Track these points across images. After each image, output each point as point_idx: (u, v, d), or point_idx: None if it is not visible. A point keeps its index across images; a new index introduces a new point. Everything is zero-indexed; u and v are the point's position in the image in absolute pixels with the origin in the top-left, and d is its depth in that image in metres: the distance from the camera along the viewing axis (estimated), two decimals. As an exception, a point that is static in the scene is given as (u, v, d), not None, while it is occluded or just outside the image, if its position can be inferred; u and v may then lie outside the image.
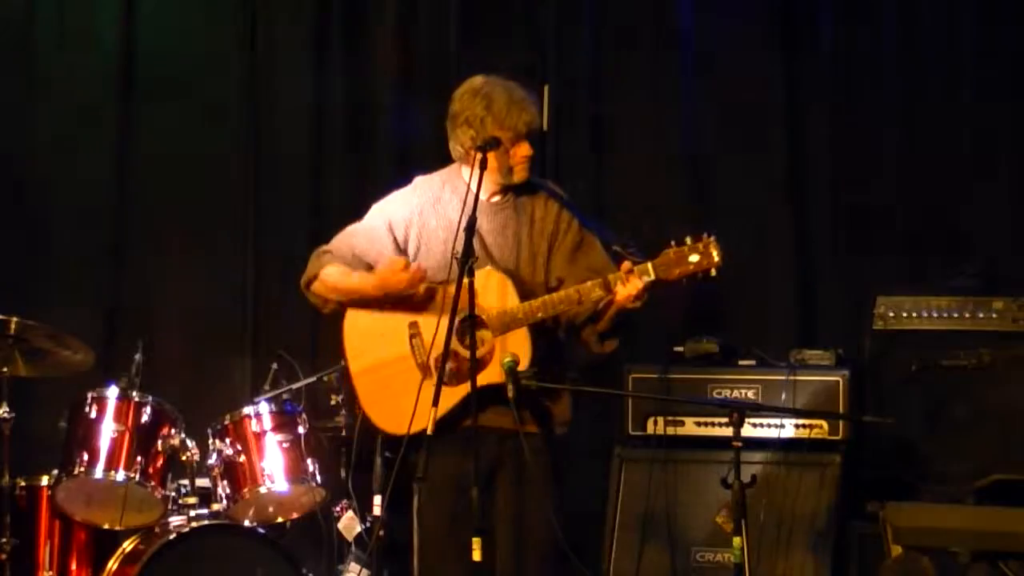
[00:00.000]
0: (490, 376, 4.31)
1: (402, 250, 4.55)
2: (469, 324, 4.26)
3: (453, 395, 4.33)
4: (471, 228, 4.25)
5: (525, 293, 4.41)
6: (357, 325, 4.60)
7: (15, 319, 5.27)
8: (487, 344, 4.36)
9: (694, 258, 4.24)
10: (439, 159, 6.40)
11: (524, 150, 4.46)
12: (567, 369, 4.56)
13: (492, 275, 4.41)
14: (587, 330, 4.48)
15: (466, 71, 6.40)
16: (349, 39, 6.63)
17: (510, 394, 4.20)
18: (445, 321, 4.20)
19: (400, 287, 4.44)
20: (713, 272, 4.24)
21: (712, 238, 4.24)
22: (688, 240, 4.27)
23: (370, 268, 4.57)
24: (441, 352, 4.26)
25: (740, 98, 6.31)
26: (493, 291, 4.39)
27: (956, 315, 5.45)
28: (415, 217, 4.55)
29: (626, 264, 4.32)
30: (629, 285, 4.28)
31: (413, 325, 4.47)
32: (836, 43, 6.24)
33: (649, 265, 4.28)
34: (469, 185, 4.36)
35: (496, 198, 4.54)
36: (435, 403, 4.11)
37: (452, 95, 4.55)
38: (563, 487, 4.56)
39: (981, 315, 5.42)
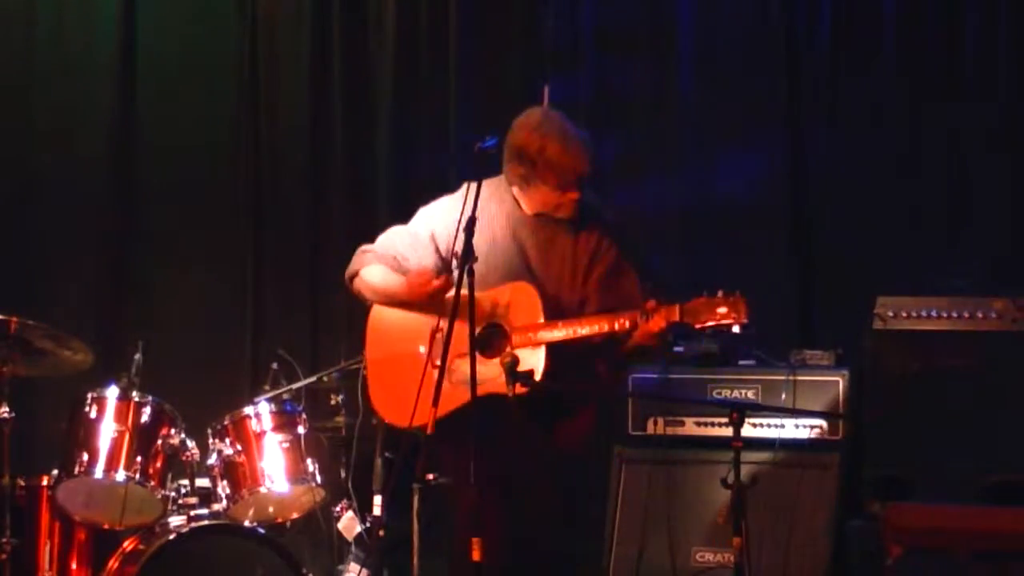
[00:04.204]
0: (495, 387, 4.29)
1: (444, 259, 4.60)
2: (482, 332, 4.27)
3: (456, 399, 4.34)
4: (470, 229, 4.26)
5: (560, 311, 4.44)
6: (382, 319, 4.71)
7: (15, 319, 5.26)
8: (504, 356, 4.36)
9: (722, 310, 4.34)
10: (437, 160, 6.48)
11: (572, 195, 4.50)
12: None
13: (521, 289, 4.44)
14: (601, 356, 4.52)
15: (466, 75, 6.50)
16: (349, 41, 6.63)
17: (509, 392, 4.20)
18: (461, 325, 4.23)
19: (425, 297, 4.51)
20: (736, 329, 4.32)
21: (744, 298, 4.35)
22: (720, 293, 4.35)
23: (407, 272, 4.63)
24: (456, 354, 4.29)
25: (740, 96, 6.31)
26: (521, 306, 4.43)
27: (956, 315, 5.44)
28: (455, 229, 4.46)
29: (651, 302, 4.38)
30: (652, 323, 4.35)
31: (435, 327, 4.50)
32: (836, 42, 6.24)
33: (677, 308, 4.36)
34: (468, 187, 4.36)
35: (541, 213, 4.57)
36: (435, 403, 4.13)
37: (513, 121, 4.55)
38: (565, 504, 4.59)
39: (981, 315, 5.41)
